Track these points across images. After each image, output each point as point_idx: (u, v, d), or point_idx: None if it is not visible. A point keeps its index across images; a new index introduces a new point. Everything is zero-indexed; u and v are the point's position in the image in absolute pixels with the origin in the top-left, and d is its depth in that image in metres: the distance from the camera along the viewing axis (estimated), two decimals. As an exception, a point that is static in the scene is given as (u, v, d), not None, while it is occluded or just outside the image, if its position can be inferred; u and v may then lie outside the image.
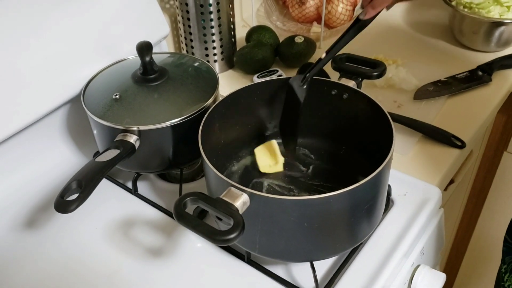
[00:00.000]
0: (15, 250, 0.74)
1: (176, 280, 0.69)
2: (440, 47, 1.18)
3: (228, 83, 1.09)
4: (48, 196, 0.82)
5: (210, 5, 1.00)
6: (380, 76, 0.75)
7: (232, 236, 0.50)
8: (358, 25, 0.71)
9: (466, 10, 1.11)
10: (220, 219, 0.56)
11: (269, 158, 0.78)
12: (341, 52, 0.80)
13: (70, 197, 0.61)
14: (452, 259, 1.54)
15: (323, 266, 0.69)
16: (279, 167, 0.77)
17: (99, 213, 0.78)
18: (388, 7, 0.70)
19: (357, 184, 0.56)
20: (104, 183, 0.83)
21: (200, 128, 0.66)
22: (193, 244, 0.73)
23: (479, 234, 1.46)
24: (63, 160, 0.87)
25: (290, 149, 0.78)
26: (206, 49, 1.07)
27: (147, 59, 0.75)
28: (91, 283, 0.69)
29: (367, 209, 0.61)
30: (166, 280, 0.69)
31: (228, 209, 0.53)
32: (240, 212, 0.54)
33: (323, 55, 0.73)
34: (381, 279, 0.66)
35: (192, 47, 1.07)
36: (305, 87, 0.73)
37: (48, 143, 0.86)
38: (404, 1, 0.70)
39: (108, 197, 0.81)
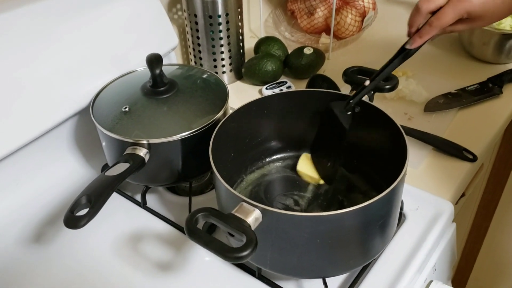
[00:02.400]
0: (23, 264, 0.73)
1: (185, 296, 0.68)
2: (450, 59, 1.17)
3: (237, 94, 1.08)
4: (56, 209, 0.81)
5: (219, 16, 1.00)
6: (392, 89, 0.74)
7: (245, 253, 0.50)
8: (404, 54, 0.70)
9: (476, 21, 1.11)
10: (232, 235, 0.55)
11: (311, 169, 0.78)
12: (352, 64, 0.79)
13: (80, 212, 0.60)
14: (461, 271, 1.53)
15: (335, 282, 0.68)
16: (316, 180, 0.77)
17: (108, 226, 0.77)
18: (433, 38, 0.68)
19: (371, 201, 0.55)
20: (113, 196, 0.81)
21: (211, 141, 0.66)
22: (203, 258, 0.72)
23: (488, 246, 1.44)
24: (71, 172, 0.87)
25: (328, 179, 0.76)
26: (215, 60, 1.07)
27: (157, 71, 0.75)
28: (99, 298, 0.68)
29: (381, 225, 0.60)
30: (175, 295, 0.68)
31: (241, 226, 0.53)
32: (253, 228, 0.54)
33: (367, 82, 0.71)
34: (395, 296, 0.65)
35: (200, 58, 1.07)
36: (349, 113, 0.72)
37: (56, 155, 0.86)
38: (450, 32, 0.69)
39: (116, 210, 0.80)
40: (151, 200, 0.83)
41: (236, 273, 0.70)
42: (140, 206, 0.81)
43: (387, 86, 0.74)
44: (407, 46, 0.69)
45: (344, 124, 0.72)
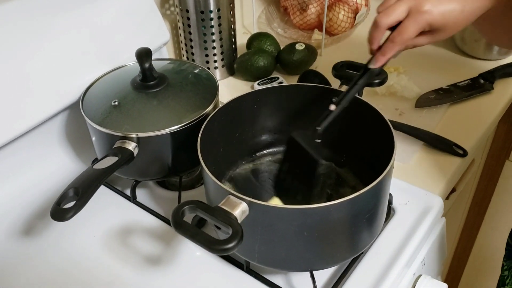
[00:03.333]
0: (12, 257, 0.73)
1: (174, 289, 0.68)
2: (441, 55, 1.18)
3: (229, 90, 1.08)
4: (45, 203, 0.81)
5: (211, 11, 1.00)
6: (381, 83, 0.74)
7: (230, 245, 0.50)
8: (368, 73, 0.68)
9: (468, 18, 1.11)
10: (219, 228, 0.55)
11: None
12: (342, 59, 0.79)
13: (67, 204, 0.60)
14: (453, 268, 1.53)
15: (323, 275, 0.68)
16: None
17: (97, 220, 0.77)
18: (396, 55, 0.66)
19: (357, 193, 0.55)
20: (103, 190, 0.83)
21: (199, 135, 0.66)
22: (192, 252, 0.72)
23: (481, 243, 1.45)
24: (61, 166, 0.87)
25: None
26: (207, 55, 1.07)
27: (147, 65, 0.75)
28: (88, 292, 0.68)
29: (368, 218, 0.60)
30: (164, 288, 0.68)
31: (227, 218, 0.53)
32: (239, 221, 0.54)
33: (332, 107, 0.68)
34: (383, 289, 0.65)
35: (192, 53, 1.07)
36: (318, 140, 0.68)
37: (46, 150, 0.85)
38: (412, 47, 0.68)
39: (106, 204, 0.80)
40: (141, 194, 0.82)
41: (225, 267, 0.70)
42: (130, 200, 0.81)
43: (377, 81, 0.74)
44: (370, 66, 0.67)
45: (314, 156, 0.69)
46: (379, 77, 0.74)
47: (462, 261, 1.51)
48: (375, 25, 0.64)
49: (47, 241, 0.76)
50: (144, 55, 0.75)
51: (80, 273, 0.71)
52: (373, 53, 0.67)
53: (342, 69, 0.77)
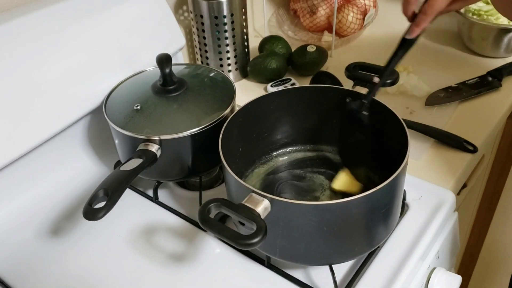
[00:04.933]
0: (41, 257, 0.76)
1: (198, 285, 0.71)
2: (449, 54, 1.20)
3: (243, 92, 1.11)
4: (71, 204, 0.84)
5: (225, 16, 1.03)
6: (393, 84, 0.76)
7: (255, 240, 0.52)
8: (406, 44, 0.71)
9: (475, 17, 1.13)
10: (243, 224, 0.58)
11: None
12: (352, 60, 0.82)
13: (97, 205, 0.63)
14: (465, 262, 1.55)
15: (341, 269, 0.71)
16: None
17: (122, 221, 0.80)
18: (431, 21, 0.68)
19: (374, 189, 0.57)
20: (126, 192, 0.84)
21: (220, 137, 0.68)
22: (214, 249, 0.75)
23: (492, 238, 1.47)
24: (85, 169, 0.90)
25: (360, 178, 0.76)
26: (221, 59, 1.10)
27: (167, 70, 0.78)
28: (116, 289, 0.71)
29: (384, 213, 0.63)
30: (188, 285, 0.71)
31: (251, 214, 0.55)
32: (262, 217, 0.56)
33: (376, 79, 0.72)
34: (399, 282, 0.67)
35: (207, 57, 1.10)
36: (365, 113, 0.73)
37: (70, 153, 0.89)
38: (447, 12, 0.70)
39: (129, 205, 0.83)
40: (163, 195, 0.85)
41: (246, 262, 0.73)
42: (152, 200, 0.84)
43: (389, 81, 0.77)
44: (407, 36, 0.70)
45: (365, 122, 0.74)
46: (391, 77, 0.77)
47: (474, 255, 1.53)
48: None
49: (73, 242, 0.79)
50: (164, 61, 0.77)
51: (107, 271, 0.74)
52: (410, 21, 0.70)
53: (355, 70, 0.79)
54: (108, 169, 0.91)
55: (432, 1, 0.66)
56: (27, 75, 0.76)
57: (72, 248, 0.78)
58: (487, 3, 1.14)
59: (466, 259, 1.54)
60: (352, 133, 0.80)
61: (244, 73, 1.15)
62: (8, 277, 0.74)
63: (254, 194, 0.58)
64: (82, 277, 0.73)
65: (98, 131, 0.91)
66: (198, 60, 1.13)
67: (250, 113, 0.77)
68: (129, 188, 0.87)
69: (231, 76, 1.13)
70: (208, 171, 0.85)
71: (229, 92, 0.82)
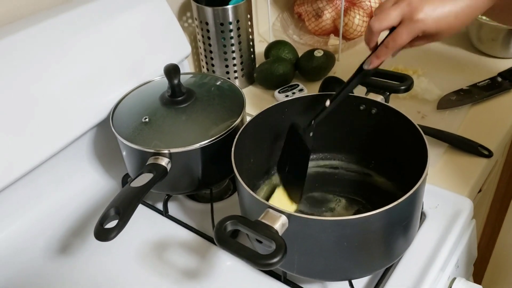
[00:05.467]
0: (49, 276, 0.74)
1: (212, 302, 0.69)
2: (459, 55, 1.18)
3: (249, 99, 1.09)
4: (79, 220, 0.82)
5: (230, 23, 1.01)
6: (407, 90, 0.74)
7: (275, 260, 0.50)
8: (362, 73, 0.69)
9: (484, 17, 1.11)
10: (260, 242, 0.56)
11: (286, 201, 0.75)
12: (360, 64, 0.80)
13: (109, 224, 0.61)
14: (477, 265, 1.53)
15: (360, 283, 0.69)
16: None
17: (131, 236, 0.78)
18: (393, 55, 0.68)
19: (396, 203, 0.56)
20: None
21: (233, 149, 0.66)
22: (227, 264, 0.73)
23: (503, 240, 1.44)
24: (92, 183, 0.88)
25: (295, 198, 0.73)
26: (227, 66, 1.08)
27: (175, 81, 0.76)
28: (128, 307, 0.69)
29: (405, 226, 0.61)
30: (203, 301, 0.69)
31: (269, 232, 0.53)
32: (280, 234, 0.54)
33: (327, 103, 0.70)
34: (420, 294, 0.65)
35: (212, 65, 1.08)
36: (311, 134, 0.71)
37: (77, 167, 0.87)
38: (410, 47, 0.69)
39: (139, 219, 0.80)
40: (172, 208, 0.84)
41: (262, 278, 0.71)
42: (162, 214, 0.82)
43: (402, 87, 0.75)
44: (365, 67, 0.68)
45: (307, 144, 0.70)
46: (405, 83, 0.75)
47: (485, 259, 1.51)
48: (369, 29, 0.66)
49: (83, 258, 0.77)
50: (172, 71, 0.76)
51: (119, 288, 0.72)
52: (371, 51, 0.68)
53: (368, 76, 0.77)
54: (116, 183, 0.89)
55: (395, 35, 0.64)
56: (31, 88, 0.75)
57: (80, 265, 0.76)
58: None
59: (477, 262, 1.51)
60: (364, 142, 0.78)
61: (251, 80, 1.13)
62: (16, 295, 0.72)
63: (271, 210, 0.56)
64: (92, 296, 0.71)
65: (105, 144, 0.89)
66: (203, 67, 1.11)
67: (262, 123, 0.75)
68: (137, 201, 0.85)
69: (237, 83, 1.11)
70: (219, 183, 0.83)
71: (238, 101, 0.80)
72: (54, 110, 0.77)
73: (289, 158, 0.75)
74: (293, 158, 0.74)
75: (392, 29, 0.65)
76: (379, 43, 0.68)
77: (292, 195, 0.73)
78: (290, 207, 0.73)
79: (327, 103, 0.70)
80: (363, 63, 0.69)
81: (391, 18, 0.63)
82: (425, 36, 0.65)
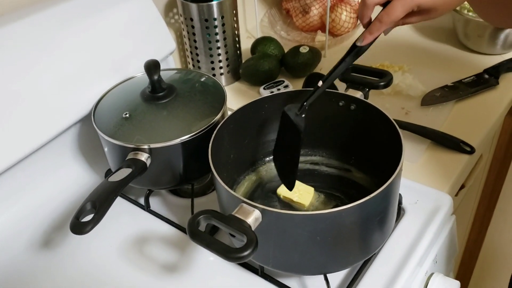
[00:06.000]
0: (32, 269, 0.75)
1: (191, 296, 0.70)
2: (445, 52, 1.18)
3: (235, 95, 1.10)
4: (62, 215, 0.83)
5: (215, 19, 1.01)
6: (386, 86, 0.75)
7: (245, 253, 0.51)
8: (355, 51, 0.68)
9: (470, 14, 1.12)
10: (234, 236, 0.57)
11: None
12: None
13: (85, 218, 0.61)
14: (465, 262, 1.54)
15: (336, 277, 0.69)
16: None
17: (113, 230, 0.79)
18: (386, 32, 0.67)
19: (368, 197, 0.56)
20: (117, 200, 0.81)
21: (210, 144, 0.67)
22: (207, 258, 0.74)
23: (491, 237, 1.45)
24: (75, 178, 0.88)
25: (289, 183, 0.72)
26: (212, 62, 1.08)
27: (155, 77, 0.76)
28: (107, 301, 0.70)
29: (379, 220, 0.62)
30: (182, 296, 0.70)
31: (241, 226, 0.54)
32: (253, 228, 0.55)
33: (320, 83, 0.69)
34: (396, 288, 0.66)
35: (198, 61, 1.08)
36: (303, 115, 0.70)
37: (60, 162, 0.87)
38: (402, 25, 0.68)
39: (121, 214, 0.82)
40: (155, 203, 0.84)
41: (240, 272, 0.71)
42: (143, 209, 0.83)
43: (381, 83, 0.75)
44: (358, 43, 0.67)
45: (299, 126, 0.69)
46: (384, 79, 0.75)
47: (473, 255, 1.52)
48: (363, 2, 0.65)
49: (65, 252, 0.77)
50: (152, 67, 0.76)
51: (98, 283, 0.72)
52: (365, 27, 0.68)
53: (348, 72, 0.77)
54: (99, 177, 0.89)
55: (389, 8, 0.63)
56: (14, 83, 0.75)
57: (63, 260, 0.76)
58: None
59: (466, 258, 1.52)
60: (344, 138, 0.78)
61: (237, 76, 1.13)
62: (-2, 289, 0.72)
63: (244, 205, 0.57)
64: (73, 290, 0.72)
65: (88, 139, 0.89)
66: (189, 63, 1.12)
67: (241, 119, 0.75)
68: (120, 196, 0.85)
69: (223, 79, 1.11)
70: (200, 178, 0.84)
71: (220, 97, 0.80)
72: (37, 105, 0.77)
73: (283, 144, 0.74)
74: (286, 144, 0.74)
75: (387, 4, 0.64)
76: (372, 19, 0.67)
77: (286, 183, 0.73)
78: (304, 197, 0.74)
79: (320, 83, 0.69)
80: (357, 40, 0.68)
81: None
82: (420, 12, 0.64)
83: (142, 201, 0.83)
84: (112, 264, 0.75)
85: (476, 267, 1.56)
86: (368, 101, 0.73)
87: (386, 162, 0.67)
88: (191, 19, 1.02)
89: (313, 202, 0.75)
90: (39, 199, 0.84)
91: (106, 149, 0.79)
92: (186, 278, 0.72)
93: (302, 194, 0.75)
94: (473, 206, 1.35)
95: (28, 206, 0.83)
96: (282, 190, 0.75)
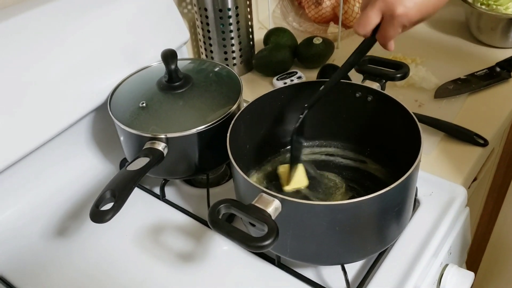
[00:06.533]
0: (47, 258, 0.75)
1: (207, 284, 0.70)
2: (457, 45, 1.18)
3: (248, 86, 1.09)
4: (77, 204, 0.83)
5: (229, 9, 1.01)
6: (403, 77, 0.75)
7: (267, 242, 0.51)
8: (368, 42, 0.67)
9: (483, 7, 1.11)
10: (253, 225, 0.57)
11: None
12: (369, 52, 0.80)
13: (104, 206, 0.62)
14: (473, 255, 1.54)
15: (353, 268, 0.69)
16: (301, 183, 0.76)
17: (128, 219, 0.79)
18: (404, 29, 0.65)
19: (388, 188, 0.56)
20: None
21: (228, 134, 0.67)
22: (222, 248, 0.74)
23: (499, 229, 1.45)
24: (90, 167, 0.89)
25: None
26: (225, 53, 1.08)
27: (173, 67, 0.76)
28: (124, 289, 0.70)
29: (397, 212, 0.62)
30: (197, 284, 0.70)
31: (262, 216, 0.54)
32: (273, 218, 0.55)
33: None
34: (412, 279, 0.66)
35: (211, 51, 1.08)
36: (301, 116, 0.71)
37: (75, 151, 0.87)
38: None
39: (136, 203, 0.82)
40: (169, 192, 0.84)
41: (256, 262, 0.72)
42: (159, 198, 0.83)
43: (398, 75, 0.75)
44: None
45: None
46: (401, 71, 0.75)
47: (481, 247, 1.52)
48: (356, 33, 0.65)
49: (80, 241, 0.78)
50: (169, 56, 0.76)
51: (114, 271, 0.73)
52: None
53: (365, 64, 0.78)
54: (114, 167, 0.90)
55: (382, 32, 0.63)
56: (30, 73, 0.75)
57: (78, 248, 0.77)
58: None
59: (473, 251, 1.53)
60: (360, 129, 0.78)
61: (249, 67, 1.13)
62: (13, 277, 0.73)
63: (264, 194, 0.57)
64: (88, 278, 0.72)
65: (102, 129, 0.89)
66: (202, 54, 1.12)
67: (258, 109, 0.75)
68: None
69: (235, 69, 1.11)
70: (215, 168, 0.84)
71: (236, 88, 0.80)
72: (53, 95, 0.77)
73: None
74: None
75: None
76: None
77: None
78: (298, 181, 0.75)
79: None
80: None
81: (372, 19, 0.62)
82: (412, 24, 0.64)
83: (157, 190, 0.84)
84: (128, 252, 0.75)
85: (483, 260, 1.56)
86: (385, 92, 0.73)
87: (403, 153, 0.68)
88: (205, 9, 1.01)
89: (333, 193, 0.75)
90: (53, 188, 0.85)
91: (122, 138, 0.79)
92: (202, 267, 0.72)
93: (296, 180, 0.75)
94: (482, 199, 1.35)
95: (42, 195, 0.83)
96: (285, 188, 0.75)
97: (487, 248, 1.52)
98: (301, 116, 0.71)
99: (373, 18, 0.62)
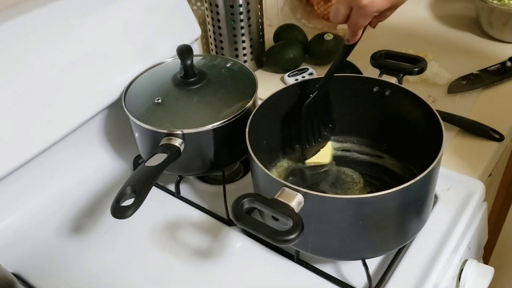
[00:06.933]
0: (62, 255, 0.75)
1: (225, 281, 0.69)
2: (468, 40, 1.18)
3: (259, 82, 1.08)
4: (91, 201, 0.82)
5: (240, 5, 1.01)
6: (421, 71, 0.75)
7: (293, 236, 0.50)
8: (345, 48, 0.69)
9: (495, 2, 1.11)
10: (276, 220, 0.56)
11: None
12: (371, 48, 0.80)
13: (125, 202, 0.61)
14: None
15: (373, 263, 0.69)
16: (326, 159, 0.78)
17: (144, 216, 0.78)
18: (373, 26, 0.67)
19: (412, 181, 0.56)
20: None
21: (247, 130, 0.66)
22: (240, 244, 0.74)
23: (509, 226, 1.45)
24: (103, 164, 0.88)
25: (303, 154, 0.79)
26: (236, 49, 1.07)
27: (188, 62, 0.76)
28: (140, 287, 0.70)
29: (420, 205, 0.61)
30: (215, 281, 0.69)
31: (286, 210, 0.54)
32: (296, 212, 0.55)
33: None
34: (433, 275, 0.65)
35: (222, 48, 1.08)
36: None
37: (88, 148, 0.87)
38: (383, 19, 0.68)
39: (151, 200, 0.79)
40: (184, 189, 0.84)
41: (275, 258, 0.71)
42: (174, 195, 0.82)
43: (416, 69, 0.75)
44: (346, 43, 0.68)
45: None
46: (419, 65, 0.75)
47: (491, 243, 1.51)
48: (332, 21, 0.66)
49: (95, 238, 0.77)
50: (185, 52, 0.75)
51: (131, 268, 0.72)
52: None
53: (381, 58, 0.77)
54: (127, 164, 0.89)
55: (351, 22, 0.63)
56: (43, 71, 0.75)
57: (93, 245, 0.76)
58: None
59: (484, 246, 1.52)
60: (377, 124, 0.78)
61: (260, 63, 1.12)
62: (28, 274, 0.72)
63: (287, 188, 0.56)
64: (104, 275, 0.72)
65: (115, 126, 0.89)
66: (212, 50, 1.11)
67: (274, 105, 0.75)
68: (149, 183, 0.85)
69: (246, 66, 1.10)
70: (231, 164, 0.83)
71: (251, 84, 0.80)
72: (67, 92, 0.77)
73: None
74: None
75: None
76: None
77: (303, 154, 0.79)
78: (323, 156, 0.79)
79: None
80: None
81: (341, 13, 0.63)
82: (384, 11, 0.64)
83: (171, 187, 0.83)
84: (144, 249, 0.75)
85: (492, 257, 1.56)
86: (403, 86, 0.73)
87: (421, 148, 0.67)
88: (216, 5, 1.01)
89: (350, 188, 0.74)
90: (67, 185, 0.84)
91: (137, 135, 0.78)
92: (219, 264, 0.71)
93: (321, 154, 0.78)
94: (493, 194, 1.34)
95: (56, 192, 0.83)
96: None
97: (497, 245, 1.52)
98: (311, 95, 0.73)
99: (342, 10, 0.63)
